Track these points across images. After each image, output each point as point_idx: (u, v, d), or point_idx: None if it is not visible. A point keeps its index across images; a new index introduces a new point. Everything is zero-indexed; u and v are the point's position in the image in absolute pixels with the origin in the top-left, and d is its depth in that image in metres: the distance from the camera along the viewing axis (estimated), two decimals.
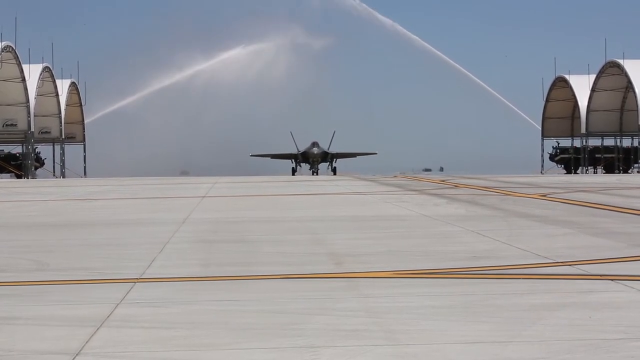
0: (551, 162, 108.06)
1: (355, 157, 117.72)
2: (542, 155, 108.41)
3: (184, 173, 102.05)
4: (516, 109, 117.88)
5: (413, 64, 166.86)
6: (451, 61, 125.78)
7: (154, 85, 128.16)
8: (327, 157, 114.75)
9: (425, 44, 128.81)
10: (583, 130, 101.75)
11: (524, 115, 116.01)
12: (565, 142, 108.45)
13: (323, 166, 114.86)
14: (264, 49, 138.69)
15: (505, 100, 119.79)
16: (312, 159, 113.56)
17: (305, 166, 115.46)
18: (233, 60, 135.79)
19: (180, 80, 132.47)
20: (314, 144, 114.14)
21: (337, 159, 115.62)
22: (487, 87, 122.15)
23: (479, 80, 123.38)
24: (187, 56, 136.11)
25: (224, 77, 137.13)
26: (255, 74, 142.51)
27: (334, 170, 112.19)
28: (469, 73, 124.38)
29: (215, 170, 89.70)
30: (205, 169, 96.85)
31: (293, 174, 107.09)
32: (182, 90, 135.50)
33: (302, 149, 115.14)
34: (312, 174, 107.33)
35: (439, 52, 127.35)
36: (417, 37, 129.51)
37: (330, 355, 7.32)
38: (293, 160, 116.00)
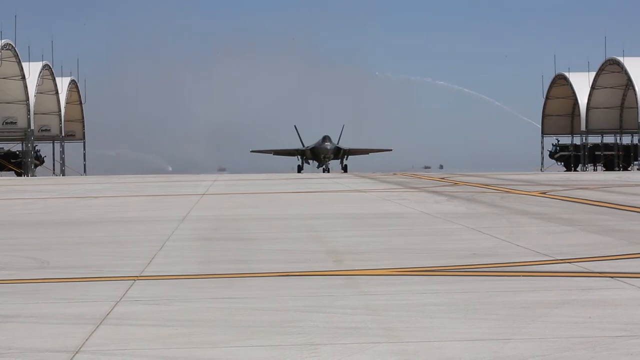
0: (551, 160, 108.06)
1: (368, 153, 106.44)
2: (542, 153, 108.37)
3: (221, 170, 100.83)
4: (515, 112, 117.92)
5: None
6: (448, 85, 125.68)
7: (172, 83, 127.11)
8: (340, 153, 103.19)
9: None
10: (583, 127, 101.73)
11: (523, 117, 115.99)
12: (565, 140, 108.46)
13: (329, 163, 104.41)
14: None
15: (504, 106, 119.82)
16: (324, 155, 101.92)
17: (312, 163, 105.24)
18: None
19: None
20: (325, 139, 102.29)
21: (349, 156, 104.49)
22: (486, 97, 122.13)
23: (476, 93, 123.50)
24: (187, 56, 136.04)
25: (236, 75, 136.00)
26: (264, 71, 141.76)
27: (345, 168, 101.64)
28: (462, 88, 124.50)
29: (250, 168, 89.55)
30: (243, 167, 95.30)
31: (299, 172, 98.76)
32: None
33: (308, 144, 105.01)
34: (323, 172, 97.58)
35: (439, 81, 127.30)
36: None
37: (329, 352, 7.31)
38: (299, 156, 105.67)
